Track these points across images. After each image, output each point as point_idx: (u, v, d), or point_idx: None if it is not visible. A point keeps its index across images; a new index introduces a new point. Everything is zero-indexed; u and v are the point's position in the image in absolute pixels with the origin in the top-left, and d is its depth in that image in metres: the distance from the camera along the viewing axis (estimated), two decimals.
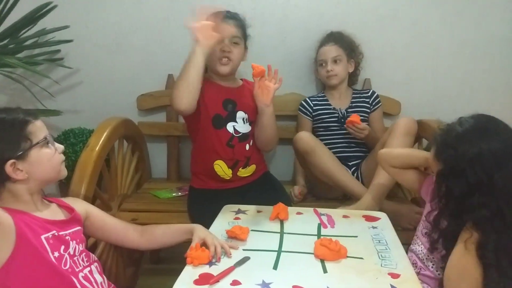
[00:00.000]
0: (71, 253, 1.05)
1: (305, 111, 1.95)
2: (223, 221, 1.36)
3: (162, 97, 2.05)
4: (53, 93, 1.99)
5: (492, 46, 2.04)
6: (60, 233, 1.04)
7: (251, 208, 1.47)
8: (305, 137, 1.71)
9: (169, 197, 1.85)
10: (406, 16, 2.01)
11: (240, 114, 1.62)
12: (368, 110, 1.92)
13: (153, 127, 2.08)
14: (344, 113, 1.89)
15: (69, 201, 1.17)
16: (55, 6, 1.82)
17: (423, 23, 2.02)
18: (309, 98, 1.97)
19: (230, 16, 1.58)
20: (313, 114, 1.93)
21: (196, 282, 1.00)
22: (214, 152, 1.58)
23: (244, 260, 1.10)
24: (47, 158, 1.03)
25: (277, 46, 2.04)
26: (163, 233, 1.26)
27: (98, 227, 1.20)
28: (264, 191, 1.65)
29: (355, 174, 1.83)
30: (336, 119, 1.89)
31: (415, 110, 2.01)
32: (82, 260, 1.07)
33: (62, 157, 1.09)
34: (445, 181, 1.04)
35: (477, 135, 1.00)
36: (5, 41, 1.80)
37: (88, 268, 1.08)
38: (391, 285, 0.99)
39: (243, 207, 1.48)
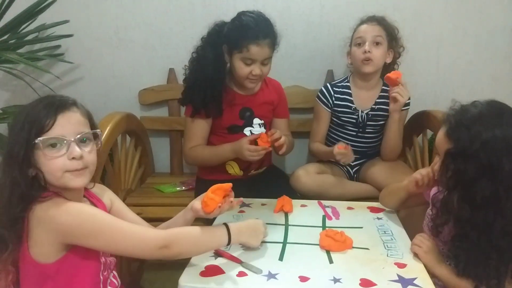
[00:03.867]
0: (107, 255, 1.03)
1: (324, 100, 1.75)
2: (227, 215, 1.36)
3: (163, 91, 2.04)
4: (54, 89, 1.99)
5: (495, 35, 2.02)
6: None
7: (255, 201, 1.47)
8: (305, 183, 1.61)
9: (173, 191, 1.84)
10: (407, 6, 1.99)
11: (256, 121, 1.63)
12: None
13: (155, 121, 2.07)
14: (364, 118, 1.71)
15: (98, 190, 1.10)
16: (54, 1, 1.80)
17: (425, 13, 2.00)
18: (331, 85, 1.77)
19: (264, 36, 1.45)
20: (333, 106, 1.74)
21: (203, 273, 1.00)
22: None
23: (255, 270, 1.03)
24: (47, 160, 0.90)
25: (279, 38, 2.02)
26: (168, 225, 1.20)
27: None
28: (271, 183, 1.66)
29: (355, 175, 1.80)
30: (355, 121, 1.73)
31: (418, 101, 1.99)
32: (110, 263, 1.05)
33: (70, 164, 0.91)
34: (453, 162, 1.01)
35: (493, 118, 0.98)
36: (5, 37, 1.79)
37: (112, 273, 1.06)
38: (398, 275, 0.99)
39: (247, 200, 1.48)
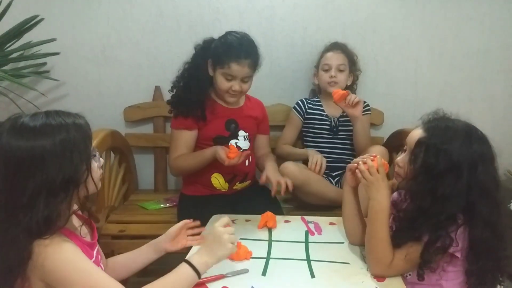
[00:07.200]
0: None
1: (299, 110, 1.99)
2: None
3: (149, 108, 2.06)
4: (39, 106, 1.98)
5: (469, 57, 2.12)
6: (94, 255, 1.01)
7: (239, 217, 1.48)
8: (293, 171, 1.66)
9: (157, 208, 1.84)
10: (385, 29, 2.08)
11: (241, 133, 1.67)
12: None
13: (140, 138, 2.08)
14: (336, 122, 1.94)
15: None
16: (41, 19, 1.83)
17: (403, 36, 2.10)
18: (306, 99, 2.02)
19: (245, 56, 1.53)
20: (305, 116, 1.98)
21: None
22: (213, 166, 1.60)
23: (242, 271, 1.10)
24: (94, 173, 0.95)
25: (263, 58, 2.06)
26: (126, 259, 1.16)
27: None
28: (255, 199, 1.67)
29: (337, 185, 1.87)
30: (329, 127, 1.94)
31: (397, 120, 2.07)
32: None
33: (101, 171, 1.00)
34: (423, 152, 1.03)
35: (473, 135, 1.04)
36: None
37: None
38: None
39: (232, 216, 1.48)
